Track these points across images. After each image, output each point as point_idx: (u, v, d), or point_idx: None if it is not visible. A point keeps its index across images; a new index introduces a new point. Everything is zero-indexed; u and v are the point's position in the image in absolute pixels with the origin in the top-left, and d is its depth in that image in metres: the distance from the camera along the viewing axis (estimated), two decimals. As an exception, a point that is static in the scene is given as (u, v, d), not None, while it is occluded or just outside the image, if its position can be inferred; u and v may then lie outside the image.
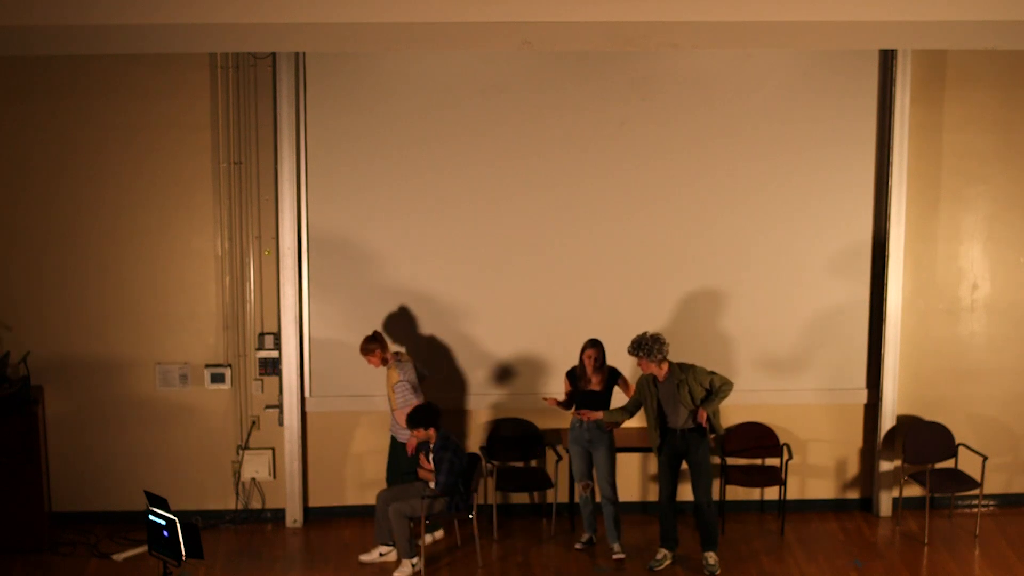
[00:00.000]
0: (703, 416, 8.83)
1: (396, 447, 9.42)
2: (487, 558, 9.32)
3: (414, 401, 9.21)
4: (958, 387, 10.09)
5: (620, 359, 9.61)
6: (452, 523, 9.60)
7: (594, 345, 9.16)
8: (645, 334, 8.80)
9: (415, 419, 8.97)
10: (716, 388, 8.86)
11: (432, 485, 9.06)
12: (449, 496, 9.02)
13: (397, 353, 9.40)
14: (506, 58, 9.49)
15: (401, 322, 9.74)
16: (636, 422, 9.70)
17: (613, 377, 9.23)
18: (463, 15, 7.11)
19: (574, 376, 9.29)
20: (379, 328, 9.62)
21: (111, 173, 9.47)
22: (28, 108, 9.35)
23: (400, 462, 9.40)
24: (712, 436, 9.10)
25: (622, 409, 9.10)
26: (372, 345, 9.22)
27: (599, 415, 9.10)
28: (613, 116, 9.60)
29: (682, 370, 8.88)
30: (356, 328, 9.68)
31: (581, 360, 9.19)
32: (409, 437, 9.14)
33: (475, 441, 9.80)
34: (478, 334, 9.80)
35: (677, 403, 8.87)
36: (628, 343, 9.20)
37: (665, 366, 8.86)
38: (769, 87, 9.64)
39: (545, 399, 9.35)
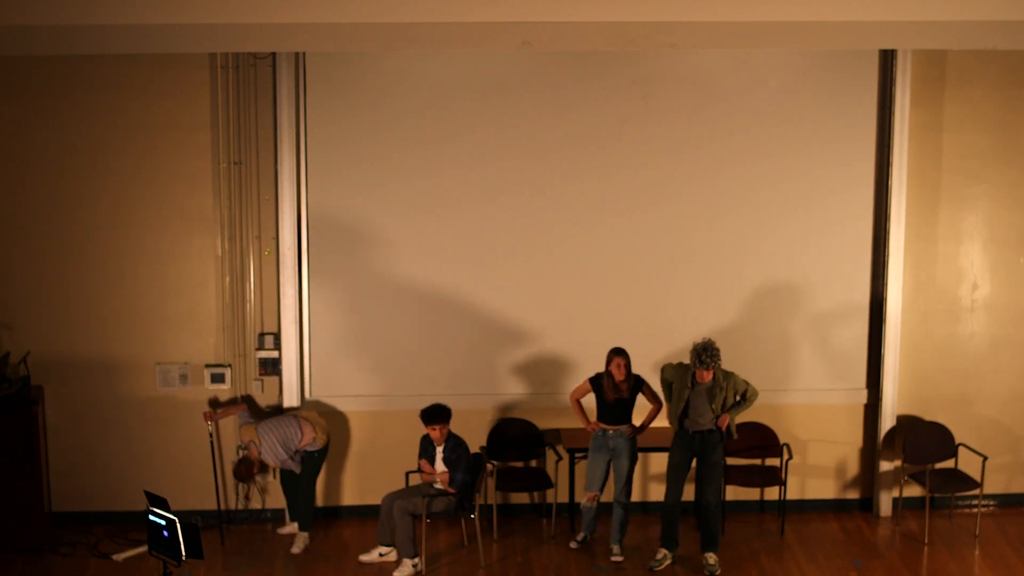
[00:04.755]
0: (726, 422, 8.84)
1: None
2: (487, 558, 9.32)
3: (281, 453, 9.28)
4: (958, 387, 10.09)
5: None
6: (460, 522, 9.62)
7: (620, 353, 9.10)
8: (706, 343, 8.72)
9: (434, 416, 9.00)
10: (747, 398, 8.86)
11: (437, 485, 9.11)
12: (465, 494, 9.03)
13: (238, 412, 9.43)
14: (506, 58, 9.49)
15: (400, 322, 9.74)
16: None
17: (638, 384, 9.20)
18: (463, 15, 7.11)
19: (597, 384, 9.23)
20: (375, 329, 9.65)
21: (111, 173, 9.47)
22: (28, 108, 9.34)
23: (298, 474, 9.45)
24: (729, 440, 9.09)
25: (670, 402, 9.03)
26: (248, 452, 9.29)
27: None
28: (613, 116, 9.60)
29: (724, 377, 8.85)
30: (356, 328, 9.69)
31: (608, 369, 9.16)
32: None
33: (476, 441, 9.79)
34: (478, 334, 9.80)
35: (707, 407, 8.85)
36: (629, 343, 9.21)
37: (712, 371, 8.84)
38: (769, 87, 9.64)
39: (588, 427, 9.32)
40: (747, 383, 8.92)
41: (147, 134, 9.44)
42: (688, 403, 8.90)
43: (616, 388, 9.15)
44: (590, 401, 9.33)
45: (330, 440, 9.54)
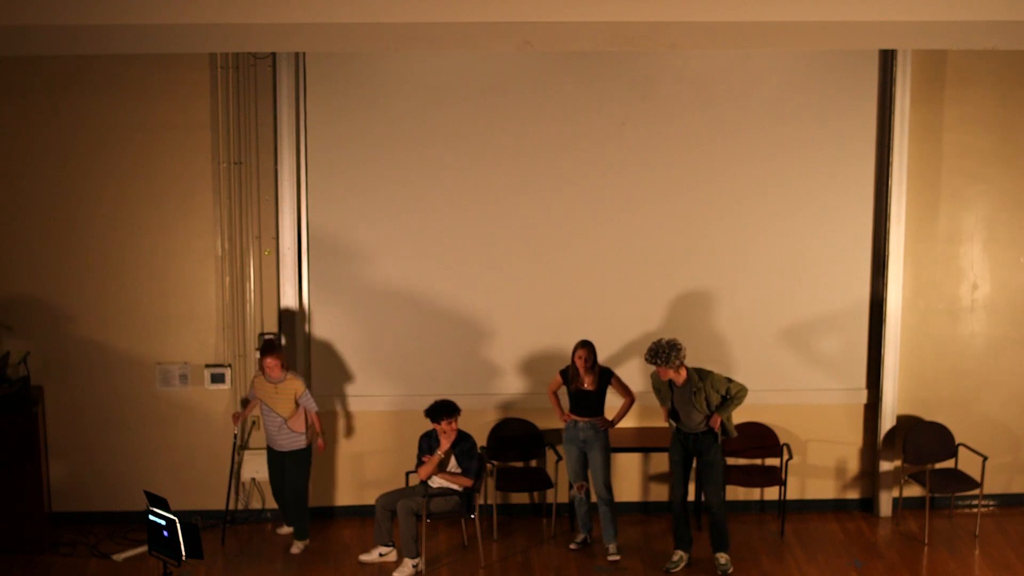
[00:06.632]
0: (717, 422, 8.83)
1: (274, 457, 9.38)
2: (487, 558, 9.32)
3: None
4: (958, 387, 10.09)
5: (619, 359, 9.64)
6: (460, 523, 9.62)
7: (584, 346, 9.14)
8: (660, 341, 8.70)
9: (447, 411, 9.00)
10: (732, 395, 8.84)
11: (435, 484, 9.11)
12: (476, 488, 9.08)
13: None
14: (506, 58, 9.49)
15: (401, 322, 9.74)
16: (631, 421, 9.71)
17: (606, 377, 9.22)
18: (463, 15, 7.12)
19: (566, 376, 9.29)
20: (375, 329, 9.65)
21: (111, 173, 9.47)
22: (28, 107, 9.35)
23: (284, 472, 9.37)
24: (724, 439, 9.07)
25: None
26: (278, 353, 9.15)
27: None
28: (613, 116, 9.60)
29: (700, 377, 8.83)
30: (356, 328, 9.70)
31: (573, 361, 9.19)
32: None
33: (476, 441, 9.79)
34: (478, 334, 9.80)
35: (691, 408, 8.84)
36: (629, 343, 9.21)
37: (684, 372, 8.81)
38: (769, 87, 9.64)
39: (560, 417, 9.35)
40: (729, 381, 8.87)
41: (147, 134, 9.44)
42: (674, 406, 8.91)
43: (579, 379, 9.16)
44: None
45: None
